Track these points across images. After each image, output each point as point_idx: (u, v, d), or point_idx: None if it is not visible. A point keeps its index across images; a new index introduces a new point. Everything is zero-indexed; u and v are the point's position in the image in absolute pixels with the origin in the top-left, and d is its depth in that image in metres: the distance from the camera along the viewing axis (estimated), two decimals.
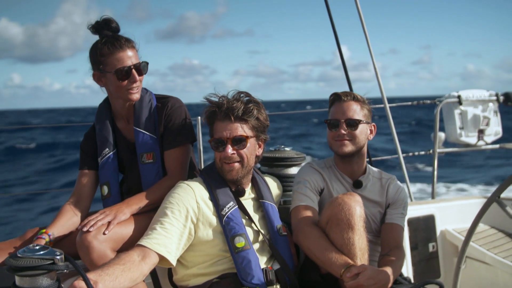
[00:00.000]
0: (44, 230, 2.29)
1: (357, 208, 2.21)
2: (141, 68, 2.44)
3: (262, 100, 2.40)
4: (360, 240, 2.20)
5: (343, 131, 2.47)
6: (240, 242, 2.20)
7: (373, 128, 2.59)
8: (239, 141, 2.28)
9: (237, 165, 2.29)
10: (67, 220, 2.38)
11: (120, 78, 2.39)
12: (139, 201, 2.36)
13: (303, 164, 3.02)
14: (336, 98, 2.55)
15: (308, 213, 2.41)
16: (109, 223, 2.20)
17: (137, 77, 2.42)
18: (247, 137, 2.29)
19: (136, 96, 2.46)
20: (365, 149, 2.59)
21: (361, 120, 2.49)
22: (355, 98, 2.53)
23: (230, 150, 2.27)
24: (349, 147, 2.48)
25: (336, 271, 2.16)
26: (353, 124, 2.47)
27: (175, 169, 2.50)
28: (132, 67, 2.40)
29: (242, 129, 2.29)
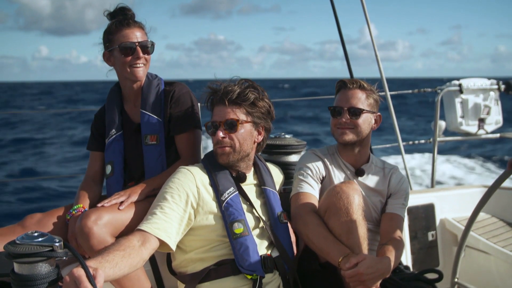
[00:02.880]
0: (81, 205, 2.39)
1: (355, 197, 2.19)
2: (147, 47, 2.48)
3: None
4: (359, 229, 2.18)
5: (344, 119, 2.44)
6: (238, 228, 2.19)
7: (378, 118, 2.54)
8: (231, 125, 2.26)
9: (228, 149, 2.27)
10: (90, 198, 2.48)
11: (124, 53, 2.45)
12: (152, 184, 2.41)
13: (303, 151, 3.01)
14: (342, 85, 2.51)
15: (308, 201, 2.39)
16: (121, 203, 2.29)
17: (141, 54, 2.47)
18: (238, 121, 2.26)
19: (140, 73, 2.49)
20: (368, 138, 2.54)
21: (364, 110, 2.44)
22: (361, 86, 2.47)
23: (221, 133, 2.26)
24: (349, 136, 2.45)
25: (333, 259, 2.15)
26: (356, 112, 2.43)
27: (187, 153, 2.55)
28: (137, 43, 2.45)
29: (234, 113, 2.27)
